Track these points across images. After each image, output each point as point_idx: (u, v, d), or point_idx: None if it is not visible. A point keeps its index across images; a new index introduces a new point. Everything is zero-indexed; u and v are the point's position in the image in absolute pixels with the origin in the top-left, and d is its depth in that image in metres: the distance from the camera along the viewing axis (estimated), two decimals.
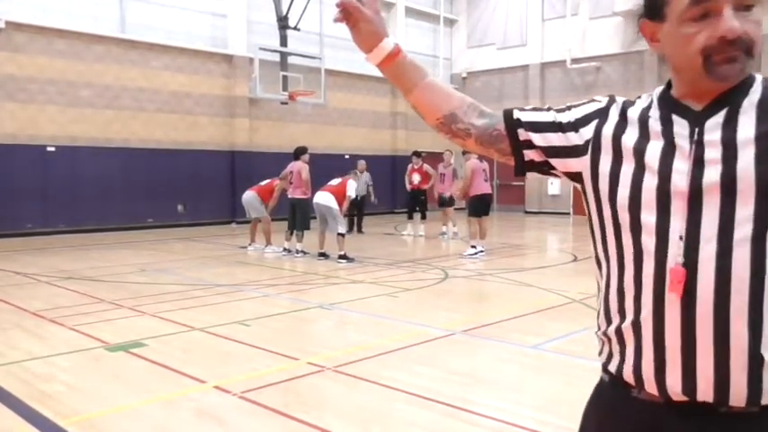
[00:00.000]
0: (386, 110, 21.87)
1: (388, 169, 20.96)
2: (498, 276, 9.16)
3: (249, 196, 11.87)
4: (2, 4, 13.76)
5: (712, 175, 1.19)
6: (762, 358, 1.18)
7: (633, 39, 1.52)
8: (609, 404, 1.37)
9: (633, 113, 1.33)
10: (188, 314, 6.60)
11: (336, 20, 1.46)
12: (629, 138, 1.30)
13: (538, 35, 22.17)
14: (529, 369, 4.86)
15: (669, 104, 1.29)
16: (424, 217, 14.70)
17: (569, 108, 1.42)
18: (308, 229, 11.20)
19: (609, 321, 1.34)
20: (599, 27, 20.70)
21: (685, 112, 1.26)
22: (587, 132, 1.36)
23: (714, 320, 1.18)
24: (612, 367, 1.34)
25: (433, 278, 8.96)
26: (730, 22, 1.16)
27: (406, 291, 8.02)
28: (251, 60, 16.50)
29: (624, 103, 1.37)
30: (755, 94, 1.22)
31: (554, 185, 21.98)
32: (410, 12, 22.64)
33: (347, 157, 19.97)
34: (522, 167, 1.46)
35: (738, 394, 1.19)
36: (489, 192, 11.44)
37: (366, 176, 15.70)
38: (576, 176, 1.42)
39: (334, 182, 10.97)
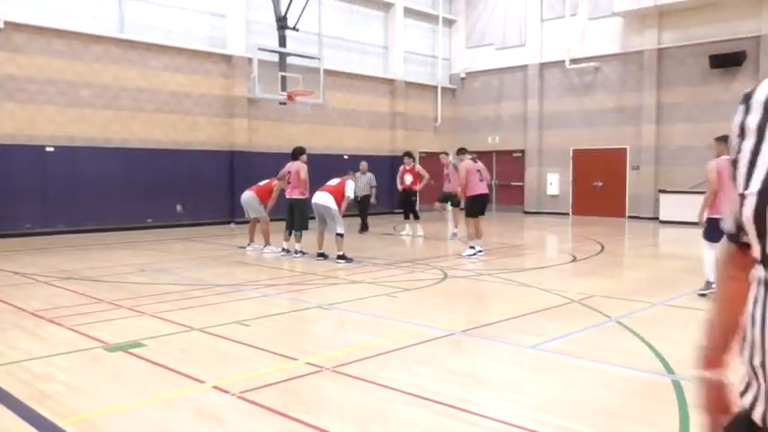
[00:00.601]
0: (385, 110, 21.87)
1: (386, 169, 20.94)
2: (497, 276, 9.17)
3: (248, 196, 11.87)
4: (1, 4, 13.75)
5: None
6: None
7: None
8: None
9: None
10: (187, 314, 6.60)
11: None
12: None
13: (537, 35, 22.18)
14: (528, 369, 4.87)
15: None
16: (417, 217, 14.74)
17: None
18: (306, 229, 11.20)
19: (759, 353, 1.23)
20: (598, 27, 20.71)
21: None
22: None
23: None
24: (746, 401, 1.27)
25: (433, 278, 8.96)
26: None
27: (405, 291, 8.02)
28: (250, 60, 16.49)
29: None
30: None
31: (553, 186, 22.00)
32: (409, 12, 22.64)
33: (346, 157, 19.98)
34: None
35: None
36: (485, 192, 11.45)
37: (369, 177, 15.75)
38: None
39: (333, 182, 10.97)
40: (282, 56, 16.29)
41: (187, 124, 16.73)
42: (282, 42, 16.49)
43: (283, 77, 16.15)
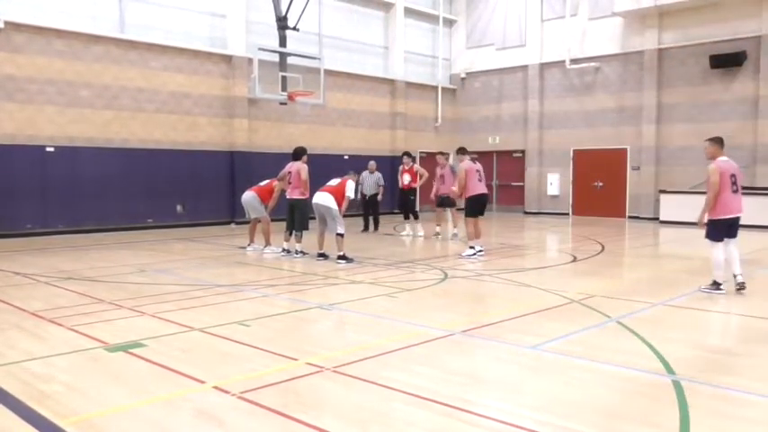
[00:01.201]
0: (385, 110, 21.87)
1: (387, 170, 20.88)
2: (497, 277, 9.17)
3: (249, 196, 11.87)
4: (1, 4, 13.76)
5: None
6: None
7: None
8: None
9: None
10: (187, 314, 6.60)
11: None
12: None
13: (537, 35, 22.19)
14: (528, 369, 4.87)
15: None
16: (416, 217, 14.75)
17: None
18: (306, 229, 11.20)
19: None
20: (598, 27, 20.71)
21: None
22: None
23: None
24: None
25: (433, 278, 8.96)
26: None
27: (405, 291, 8.02)
28: (250, 61, 16.49)
29: None
30: None
31: (553, 186, 22.00)
32: (409, 12, 22.65)
33: (346, 157, 19.98)
34: None
35: None
36: (485, 192, 11.44)
37: (377, 176, 15.81)
38: None
39: (334, 182, 10.96)
40: (283, 56, 16.28)
41: (187, 124, 16.73)
42: (283, 42, 16.48)
43: (283, 78, 16.14)
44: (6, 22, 13.61)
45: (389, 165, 21.32)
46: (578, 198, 21.50)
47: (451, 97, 24.40)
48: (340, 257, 10.42)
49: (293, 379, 4.52)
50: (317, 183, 11.26)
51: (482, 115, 23.86)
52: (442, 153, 14.64)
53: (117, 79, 15.37)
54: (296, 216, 11.11)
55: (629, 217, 20.13)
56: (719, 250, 7.78)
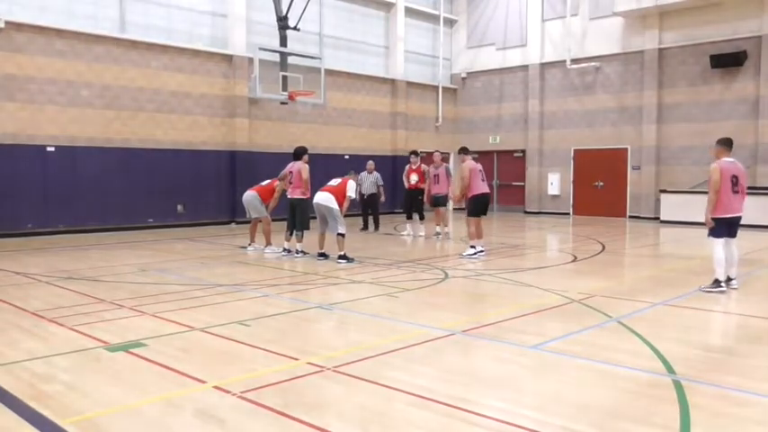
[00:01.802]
0: (385, 110, 21.87)
1: (388, 169, 20.93)
2: (498, 276, 9.17)
3: (250, 196, 11.87)
4: (2, 4, 13.76)
5: None
6: None
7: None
8: None
9: None
10: (188, 314, 6.60)
11: None
12: None
13: (537, 35, 22.18)
14: (528, 369, 4.87)
15: None
16: (422, 217, 14.72)
17: None
18: (307, 229, 11.20)
19: None
20: (599, 27, 20.71)
21: None
22: None
23: None
24: None
25: (433, 278, 8.96)
26: None
27: (405, 291, 8.02)
28: (251, 60, 16.50)
29: None
30: None
31: (554, 186, 22.00)
32: (410, 12, 22.65)
33: (347, 157, 19.98)
34: None
35: None
36: (488, 192, 11.44)
37: (376, 176, 15.81)
38: None
39: (334, 182, 10.96)
40: (283, 56, 16.29)
41: (188, 124, 16.73)
42: (283, 42, 16.49)
43: (284, 77, 16.15)
44: (7, 22, 13.61)
45: (390, 164, 21.36)
46: (579, 198, 21.49)
47: (452, 97, 24.40)
48: (340, 257, 10.42)
49: (294, 379, 4.52)
50: (317, 183, 11.27)
51: (483, 115, 23.87)
52: (440, 152, 14.59)
53: (117, 79, 15.38)
54: (297, 216, 11.11)
55: (630, 217, 20.13)
56: (720, 247, 7.87)
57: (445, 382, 4.46)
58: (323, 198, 10.62)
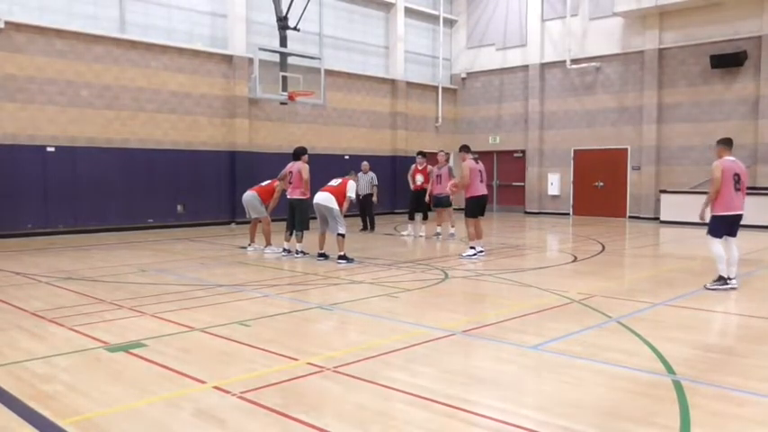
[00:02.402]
0: (385, 110, 21.87)
1: (387, 169, 20.96)
2: (498, 277, 9.17)
3: (249, 196, 11.88)
4: (1, 4, 13.76)
5: None
6: None
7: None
8: None
9: None
10: (188, 314, 6.60)
11: None
12: None
13: (537, 35, 22.18)
14: (528, 369, 4.87)
15: None
16: (425, 218, 14.71)
17: None
18: (307, 229, 11.20)
19: None
20: (599, 27, 20.71)
21: None
22: None
23: None
24: None
25: (433, 279, 8.96)
26: None
27: (405, 291, 8.02)
28: (251, 61, 16.50)
29: None
30: None
31: (554, 186, 22.00)
32: (410, 12, 22.65)
33: (347, 157, 19.98)
34: None
35: None
36: (485, 193, 11.44)
37: (371, 176, 15.81)
38: None
39: (335, 182, 10.96)
40: (283, 56, 16.29)
41: (188, 124, 16.74)
42: (283, 42, 16.49)
43: (284, 77, 16.15)
44: (7, 22, 13.61)
45: (390, 165, 21.37)
46: (579, 198, 21.49)
47: (452, 97, 24.40)
48: (340, 257, 10.42)
49: (294, 379, 4.52)
50: (317, 183, 11.27)
51: (483, 115, 23.87)
52: (444, 152, 14.58)
53: (117, 79, 15.38)
54: (296, 216, 11.11)
55: (630, 217, 20.13)
56: (719, 245, 7.93)
57: (445, 382, 4.46)
58: (323, 198, 10.62)
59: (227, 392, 4.21)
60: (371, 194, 15.79)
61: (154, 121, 16.07)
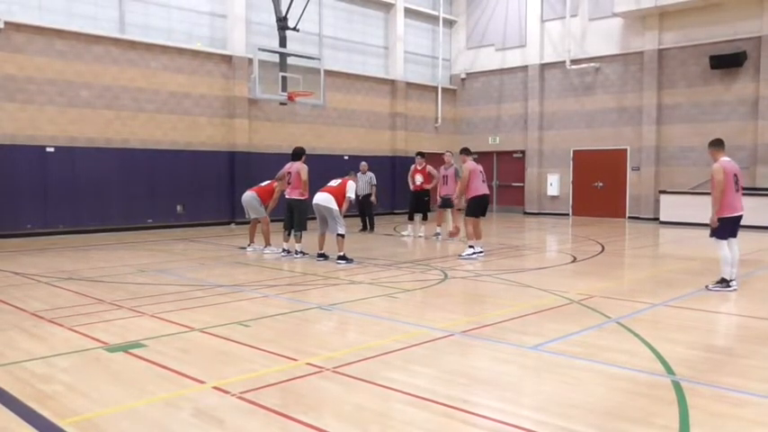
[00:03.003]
0: (385, 110, 21.87)
1: (387, 170, 20.96)
2: (497, 277, 9.17)
3: (249, 197, 11.88)
4: (1, 4, 13.76)
5: None
6: None
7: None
8: None
9: None
10: (187, 315, 6.60)
11: None
12: None
13: (537, 36, 22.19)
14: (528, 369, 4.87)
15: None
16: (425, 218, 14.71)
17: None
18: (305, 229, 11.21)
19: None
20: (598, 28, 20.71)
21: None
22: None
23: None
24: None
25: (433, 279, 8.96)
26: None
27: (405, 291, 8.02)
28: (250, 61, 16.49)
29: None
30: None
31: (553, 186, 22.00)
32: (409, 12, 22.65)
33: (346, 157, 19.98)
34: None
35: None
36: (487, 193, 11.45)
37: (369, 176, 15.82)
38: None
39: (334, 182, 10.96)
40: (283, 56, 16.27)
41: (187, 125, 16.74)
42: (283, 43, 16.47)
43: (284, 78, 16.12)
44: (7, 23, 13.61)
45: (389, 165, 21.36)
46: (578, 198, 21.50)
47: (452, 97, 24.40)
48: (340, 258, 10.42)
49: (293, 379, 4.52)
50: (316, 183, 11.27)
51: (482, 116, 23.87)
52: (450, 152, 14.58)
53: (117, 79, 15.38)
54: (295, 216, 11.11)
55: (629, 217, 20.13)
56: (726, 248, 7.91)
57: (444, 382, 4.46)
58: (323, 199, 10.62)
59: (227, 393, 4.21)
60: (370, 195, 15.80)
61: (153, 122, 16.07)
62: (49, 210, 14.37)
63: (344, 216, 10.87)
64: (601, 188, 20.97)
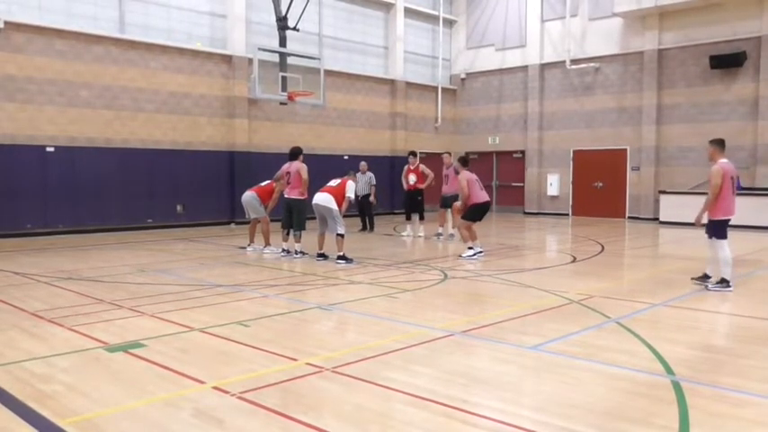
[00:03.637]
0: (385, 110, 21.87)
1: (387, 170, 20.94)
2: (497, 277, 9.17)
3: (249, 196, 11.88)
4: (1, 4, 13.76)
5: None
6: None
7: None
8: None
9: None
10: (187, 314, 6.60)
11: None
12: None
13: (537, 36, 22.19)
14: (528, 369, 4.87)
15: None
16: (421, 218, 14.70)
17: None
18: (303, 229, 11.21)
19: None
20: (598, 28, 20.72)
21: None
22: None
23: None
24: None
25: (433, 279, 8.96)
26: None
27: (405, 291, 8.02)
28: (250, 61, 16.49)
29: None
30: None
31: (553, 186, 22.01)
32: (409, 12, 22.65)
33: (346, 157, 19.99)
34: None
35: None
36: (488, 200, 11.46)
37: (369, 176, 15.81)
38: None
39: (334, 182, 10.96)
40: (283, 56, 16.26)
41: (187, 124, 16.74)
42: (283, 43, 16.47)
43: (284, 78, 16.12)
44: (6, 23, 13.61)
45: (389, 165, 21.35)
46: (578, 198, 21.50)
47: (451, 97, 24.40)
48: (340, 258, 10.42)
49: (293, 379, 4.52)
50: (316, 183, 11.27)
51: (482, 116, 23.88)
52: (448, 153, 14.59)
53: (117, 79, 15.38)
54: (294, 216, 11.11)
55: (629, 217, 20.14)
56: (727, 248, 7.96)
57: (444, 382, 4.46)
58: (322, 199, 10.62)
59: (226, 393, 4.21)
60: (369, 195, 15.80)
61: (153, 122, 16.07)
62: (49, 209, 14.37)
63: (344, 216, 10.87)
64: (600, 188, 20.98)
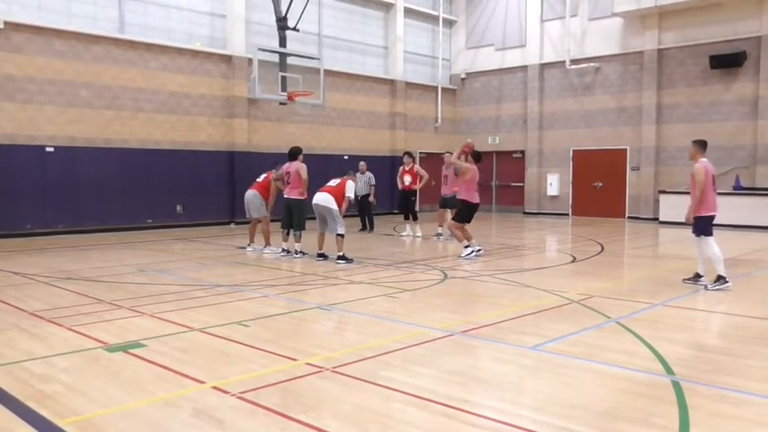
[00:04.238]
0: (384, 110, 21.87)
1: (386, 170, 20.94)
2: (497, 277, 9.17)
3: (251, 195, 11.88)
4: (1, 4, 13.76)
5: None
6: None
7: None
8: None
9: None
10: (187, 314, 6.60)
11: None
12: None
13: (537, 36, 22.19)
14: (528, 369, 4.87)
15: None
16: (415, 218, 14.68)
17: None
18: (303, 229, 11.21)
19: None
20: (598, 28, 20.71)
21: None
22: None
23: None
24: None
25: (432, 279, 8.96)
26: None
27: (404, 291, 8.02)
28: (250, 61, 16.50)
29: None
30: None
31: (553, 186, 22.01)
32: (409, 12, 22.65)
33: (346, 157, 19.98)
34: None
35: None
36: (479, 202, 11.39)
37: (368, 176, 15.81)
38: None
39: (334, 182, 10.95)
40: (282, 56, 16.28)
41: (187, 124, 16.73)
42: (283, 43, 16.49)
43: (283, 78, 16.14)
44: (6, 22, 13.60)
45: (389, 165, 21.35)
46: (578, 198, 21.50)
47: (451, 97, 24.40)
48: (339, 258, 10.42)
49: (293, 379, 4.52)
50: (316, 183, 11.27)
51: (482, 115, 23.87)
52: (449, 152, 14.59)
53: (117, 79, 15.37)
54: (294, 216, 11.10)
55: (629, 217, 20.14)
56: (715, 244, 8.05)
57: (444, 382, 4.46)
58: (322, 199, 10.62)
59: (226, 393, 4.21)
60: (369, 195, 15.80)
61: (153, 122, 16.07)
62: (49, 210, 14.36)
63: (344, 216, 10.87)
64: (600, 188, 20.97)
